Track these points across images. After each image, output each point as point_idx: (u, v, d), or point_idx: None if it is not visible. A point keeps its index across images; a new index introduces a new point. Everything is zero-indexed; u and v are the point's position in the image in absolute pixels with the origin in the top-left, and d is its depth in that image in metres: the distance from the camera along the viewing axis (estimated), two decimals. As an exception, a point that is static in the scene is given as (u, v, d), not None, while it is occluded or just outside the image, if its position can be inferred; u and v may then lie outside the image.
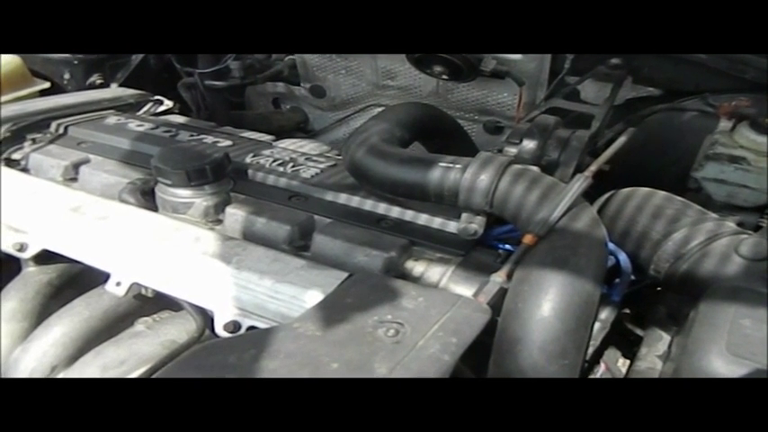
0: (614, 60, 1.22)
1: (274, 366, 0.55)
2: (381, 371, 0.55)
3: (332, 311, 0.64)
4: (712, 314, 0.56)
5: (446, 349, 0.58)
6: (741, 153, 0.93)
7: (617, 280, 0.77)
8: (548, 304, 0.62)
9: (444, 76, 1.33)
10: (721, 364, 0.51)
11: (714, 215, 0.78)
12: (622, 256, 0.78)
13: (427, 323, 0.62)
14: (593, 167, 0.76)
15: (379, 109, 1.56)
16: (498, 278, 0.69)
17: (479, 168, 0.78)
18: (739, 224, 0.81)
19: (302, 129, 1.71)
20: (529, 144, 0.91)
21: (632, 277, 0.82)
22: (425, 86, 1.46)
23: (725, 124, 1.00)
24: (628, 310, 0.83)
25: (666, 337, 0.73)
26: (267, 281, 0.76)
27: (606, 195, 0.89)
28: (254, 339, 0.61)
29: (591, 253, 0.66)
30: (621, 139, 0.83)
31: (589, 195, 0.92)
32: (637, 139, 1.17)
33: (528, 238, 0.69)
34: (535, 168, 0.86)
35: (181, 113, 1.42)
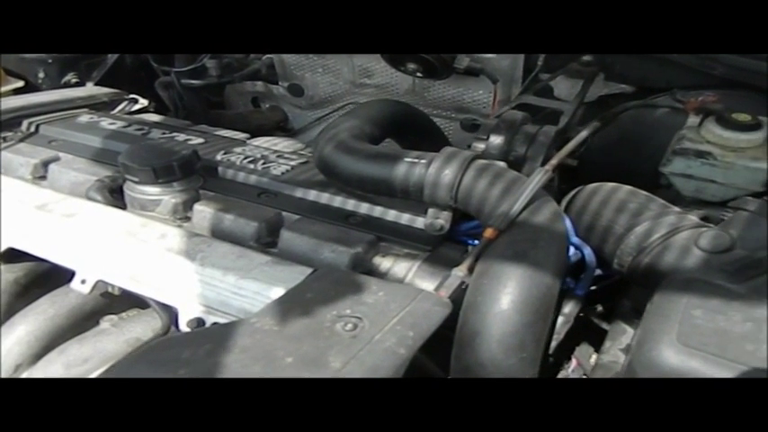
0: (586, 57, 1.22)
1: (228, 361, 0.55)
2: (335, 365, 0.54)
3: (291, 306, 0.64)
4: (664, 305, 0.56)
5: (402, 342, 0.58)
6: (707, 148, 0.93)
7: (582, 275, 0.77)
8: (506, 297, 0.62)
9: (419, 74, 1.33)
10: (671, 354, 0.51)
11: (677, 209, 0.78)
12: (587, 251, 0.79)
13: (386, 317, 0.62)
14: (554, 161, 0.76)
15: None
16: (459, 272, 0.69)
17: (443, 163, 0.78)
18: (704, 218, 0.82)
19: (282, 128, 1.70)
20: (496, 140, 0.91)
21: (599, 272, 0.83)
22: (402, 84, 1.46)
23: (693, 120, 1.01)
24: (600, 306, 0.84)
25: (630, 331, 0.73)
26: (231, 277, 0.75)
27: (574, 191, 0.90)
28: (211, 334, 0.60)
29: (550, 246, 0.67)
30: (583, 134, 0.83)
31: (563, 192, 0.93)
32: (611, 135, 1.18)
33: (488, 232, 0.69)
34: (501, 164, 0.86)
35: (159, 113, 1.42)
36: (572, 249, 0.81)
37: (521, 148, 0.91)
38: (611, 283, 0.81)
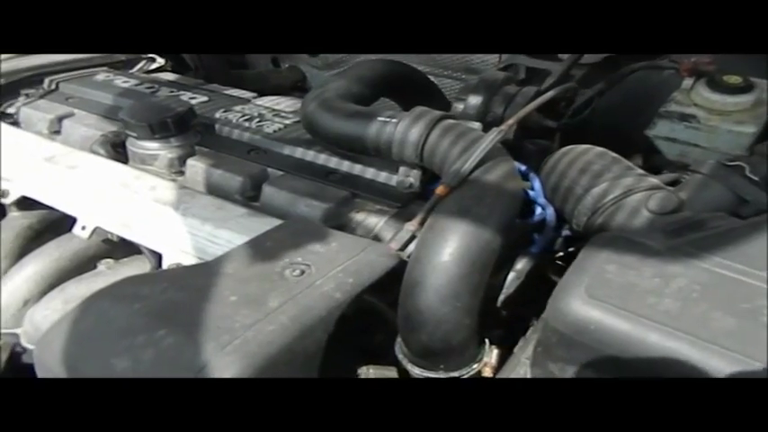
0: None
1: (177, 297, 0.61)
2: (273, 304, 0.60)
3: (249, 253, 0.69)
4: (583, 260, 0.59)
5: (340, 288, 0.63)
6: (692, 111, 0.93)
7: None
8: (445, 250, 0.66)
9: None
10: (577, 305, 0.54)
11: (639, 171, 0.79)
12: (549, 210, 0.81)
13: (332, 265, 0.66)
14: (510, 121, 0.78)
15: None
16: (411, 226, 0.73)
17: (412, 122, 0.81)
18: (675, 181, 0.83)
19: (300, 87, 1.74)
20: (473, 100, 0.93)
21: (568, 232, 0.85)
22: (412, 45, 1.48)
23: (687, 82, 1.00)
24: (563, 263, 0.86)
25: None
26: (208, 227, 0.82)
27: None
28: (171, 275, 0.67)
29: (495, 203, 0.69)
30: (549, 94, 0.85)
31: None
32: (615, 97, 1.18)
33: (440, 189, 0.73)
34: (474, 124, 0.89)
35: (177, 72, 1.48)
36: (539, 209, 0.84)
37: (498, 108, 0.93)
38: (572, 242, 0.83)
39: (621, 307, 0.53)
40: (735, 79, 0.96)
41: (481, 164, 0.73)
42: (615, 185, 0.76)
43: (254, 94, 1.25)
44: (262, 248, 0.70)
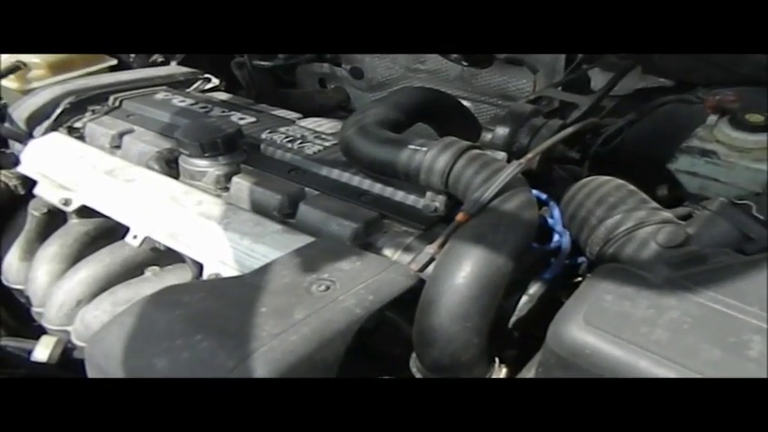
0: (624, 51, 1.24)
1: (213, 306, 0.68)
2: (298, 316, 0.66)
3: (280, 268, 0.76)
4: (584, 289, 0.63)
5: (360, 304, 0.69)
6: (714, 147, 0.95)
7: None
8: (459, 273, 0.71)
9: (463, 63, 1.40)
10: (574, 331, 0.58)
11: (654, 204, 0.82)
12: (565, 238, 0.85)
13: (355, 282, 0.72)
14: (530, 154, 0.83)
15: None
16: (431, 249, 0.78)
17: (439, 151, 0.86)
18: (688, 216, 0.86)
19: (344, 107, 1.82)
20: (501, 130, 0.98)
21: (583, 259, 0.89)
22: (452, 71, 1.54)
23: (712, 118, 1.02)
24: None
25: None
26: (246, 241, 0.89)
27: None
28: (209, 285, 0.74)
29: (510, 231, 0.74)
30: (569, 129, 0.89)
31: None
32: (645, 128, 1.21)
33: (460, 216, 0.78)
34: (499, 154, 0.94)
35: (230, 91, 1.57)
36: (556, 236, 0.88)
37: (524, 139, 0.98)
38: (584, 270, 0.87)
39: (615, 334, 0.57)
40: (756, 118, 0.98)
41: (500, 193, 0.78)
42: (628, 218, 0.80)
43: (299, 116, 1.33)
44: (292, 264, 0.77)
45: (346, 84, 1.81)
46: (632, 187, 0.87)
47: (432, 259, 0.77)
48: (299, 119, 1.31)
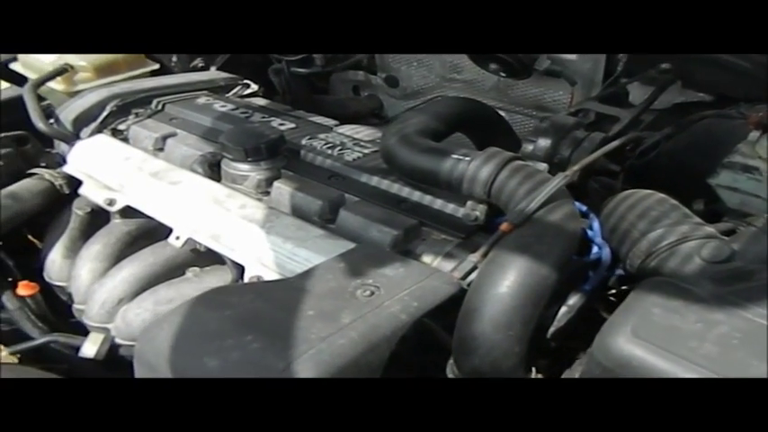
0: (664, 65, 1.24)
1: (262, 308, 0.69)
2: (345, 320, 0.67)
3: (325, 272, 0.77)
4: (631, 301, 0.63)
5: (405, 310, 0.70)
6: (756, 163, 0.95)
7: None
8: (503, 282, 0.72)
9: (501, 74, 1.41)
10: (622, 343, 0.59)
11: (697, 219, 0.82)
12: (605, 251, 0.85)
13: (399, 288, 0.74)
14: (575, 167, 0.83)
15: (446, 101, 1.67)
16: (473, 258, 0.79)
17: (483, 162, 0.87)
18: (730, 231, 0.86)
19: (377, 115, 1.84)
20: (543, 142, 0.99)
21: (621, 272, 0.89)
22: (487, 81, 1.54)
23: (754, 134, 1.02)
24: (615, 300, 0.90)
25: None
26: (289, 245, 0.90)
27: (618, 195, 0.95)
28: (256, 287, 0.76)
29: (554, 242, 0.75)
30: (614, 144, 0.89)
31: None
32: (681, 142, 1.20)
33: (504, 226, 0.79)
34: (541, 166, 0.94)
35: (267, 97, 1.60)
36: (596, 248, 0.88)
37: (566, 151, 0.98)
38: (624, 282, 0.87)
39: (664, 347, 0.57)
40: (800, 135, 0.97)
41: (544, 205, 0.78)
42: (671, 232, 0.80)
43: (336, 122, 1.35)
44: (337, 269, 0.78)
45: (380, 92, 1.83)
46: (675, 201, 0.87)
47: (474, 267, 0.78)
48: (336, 125, 1.33)
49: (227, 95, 1.49)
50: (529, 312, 0.71)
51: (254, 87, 1.55)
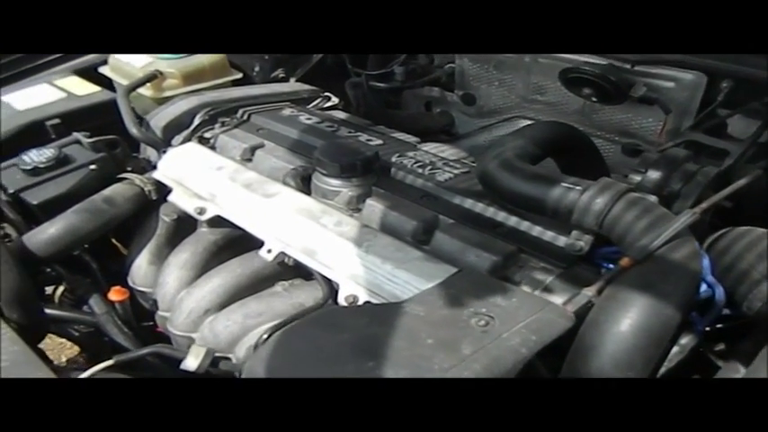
0: (770, 97, 1.20)
1: (379, 333, 0.68)
2: (466, 351, 0.65)
3: (436, 298, 0.76)
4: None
5: (525, 344, 0.68)
6: None
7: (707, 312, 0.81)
8: (626, 320, 0.69)
9: (593, 99, 1.38)
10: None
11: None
12: (719, 290, 0.82)
13: (514, 320, 0.71)
14: (704, 205, 0.80)
15: (523, 120, 1.64)
16: (588, 292, 0.76)
17: (597, 192, 0.84)
18: None
19: (446, 131, 1.82)
20: (653, 174, 0.96)
21: (727, 312, 0.85)
22: (571, 104, 1.51)
23: None
24: (722, 345, 0.86)
25: (743, 372, 0.76)
26: (388, 266, 0.89)
27: (722, 231, 0.92)
28: (369, 311, 0.75)
29: (680, 283, 0.72)
30: (741, 181, 0.85)
31: (716, 227, 0.95)
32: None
33: (625, 261, 0.76)
34: (652, 198, 0.91)
35: (343, 108, 1.60)
36: (704, 286, 0.84)
37: (676, 185, 0.95)
38: (736, 323, 0.83)
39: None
40: None
41: (668, 241, 0.75)
42: (798, 276, 0.76)
43: (417, 139, 1.33)
44: (447, 295, 0.76)
45: (454, 109, 1.82)
46: (796, 246, 0.83)
47: (590, 303, 0.76)
48: (418, 142, 1.32)
49: (308, 107, 1.49)
50: (651, 353, 0.69)
51: (335, 100, 1.55)
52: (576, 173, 0.96)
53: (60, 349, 1.75)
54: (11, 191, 1.16)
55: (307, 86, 1.57)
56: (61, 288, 1.23)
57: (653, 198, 0.93)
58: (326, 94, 1.55)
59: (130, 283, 1.22)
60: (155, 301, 1.16)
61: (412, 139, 1.34)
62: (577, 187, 0.86)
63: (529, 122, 1.64)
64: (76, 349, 1.69)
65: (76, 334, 1.23)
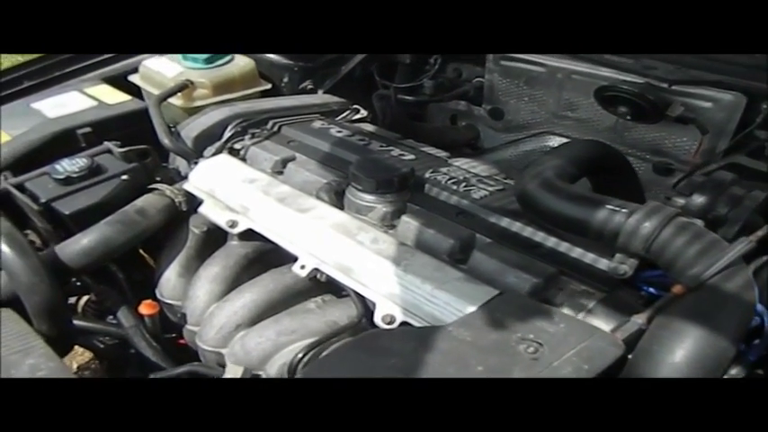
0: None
1: (429, 359, 0.66)
2: (517, 380, 0.64)
3: (482, 322, 0.74)
4: None
5: (577, 373, 0.66)
6: None
7: (757, 340, 0.78)
8: (681, 352, 0.67)
9: (627, 117, 1.37)
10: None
11: None
12: (768, 319, 0.80)
13: (564, 347, 0.70)
14: (760, 233, 0.78)
15: (550, 136, 1.63)
16: (639, 319, 0.74)
17: (645, 216, 0.82)
18: None
19: (472, 145, 1.81)
20: (698, 198, 0.94)
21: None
22: (603, 122, 1.49)
23: None
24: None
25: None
26: (428, 286, 0.88)
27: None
28: (415, 334, 0.73)
29: (735, 314, 0.70)
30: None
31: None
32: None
33: (677, 289, 0.74)
34: (699, 223, 0.89)
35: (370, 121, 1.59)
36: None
37: (723, 209, 0.93)
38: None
39: None
40: None
41: (721, 269, 0.73)
42: None
43: (447, 154, 1.32)
44: (493, 319, 0.75)
45: (480, 123, 1.80)
46: None
47: (641, 330, 0.74)
48: (449, 157, 1.30)
49: (338, 120, 1.48)
50: (707, 386, 0.66)
51: (364, 113, 1.54)
52: (611, 192, 0.94)
53: (72, 356, 1.74)
54: (43, 200, 1.15)
55: (336, 98, 1.56)
56: (85, 298, 1.22)
57: (699, 222, 0.91)
58: (355, 106, 1.54)
59: (158, 296, 1.21)
60: (183, 315, 1.15)
61: (442, 153, 1.33)
62: (623, 210, 0.84)
63: (557, 138, 1.63)
64: (88, 355, 1.69)
65: (101, 346, 1.22)
